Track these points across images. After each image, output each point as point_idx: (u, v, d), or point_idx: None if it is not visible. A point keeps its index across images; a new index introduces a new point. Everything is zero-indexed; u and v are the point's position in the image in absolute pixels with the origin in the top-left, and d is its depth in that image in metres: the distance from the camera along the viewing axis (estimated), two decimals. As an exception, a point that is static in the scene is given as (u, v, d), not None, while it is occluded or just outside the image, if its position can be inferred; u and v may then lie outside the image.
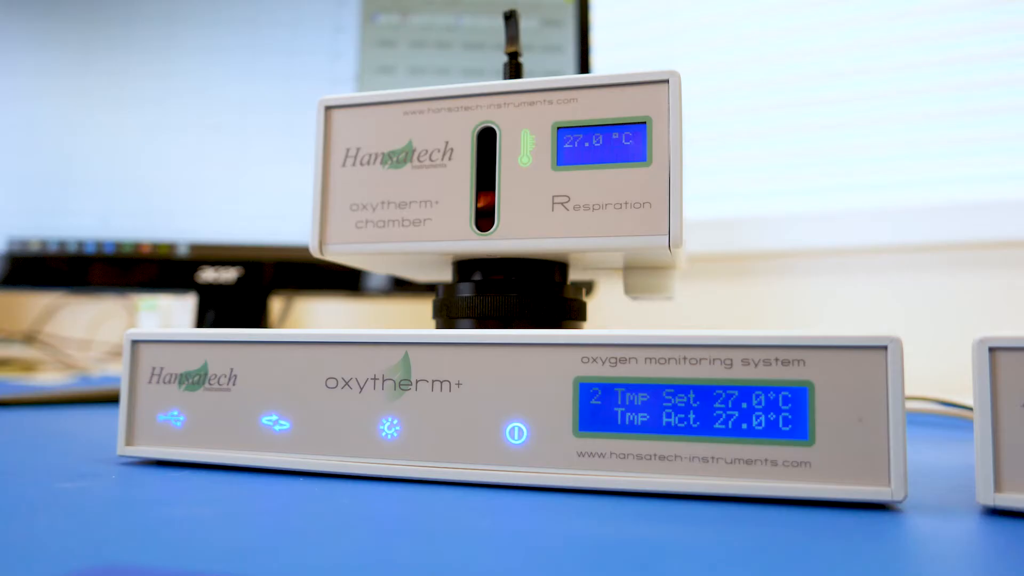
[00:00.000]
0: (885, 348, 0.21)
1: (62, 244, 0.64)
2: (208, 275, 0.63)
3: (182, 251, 0.63)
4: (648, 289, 0.32)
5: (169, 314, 1.06)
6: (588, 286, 0.60)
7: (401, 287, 0.63)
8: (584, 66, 0.65)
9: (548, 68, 0.65)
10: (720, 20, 0.84)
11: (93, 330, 1.07)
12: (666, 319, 0.80)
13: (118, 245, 0.64)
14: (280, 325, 0.83)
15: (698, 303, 0.80)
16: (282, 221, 0.63)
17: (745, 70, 0.82)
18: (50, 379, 0.71)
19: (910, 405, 0.46)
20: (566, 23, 0.65)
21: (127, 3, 0.66)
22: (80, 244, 0.64)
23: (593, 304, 0.77)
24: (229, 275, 0.63)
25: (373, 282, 0.64)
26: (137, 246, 0.63)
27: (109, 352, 0.99)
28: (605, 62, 0.86)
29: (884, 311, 0.73)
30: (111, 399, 0.49)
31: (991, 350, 0.21)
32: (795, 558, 0.17)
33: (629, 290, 0.32)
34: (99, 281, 0.64)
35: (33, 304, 1.08)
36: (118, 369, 1.00)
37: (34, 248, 0.65)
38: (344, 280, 0.63)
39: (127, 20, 0.66)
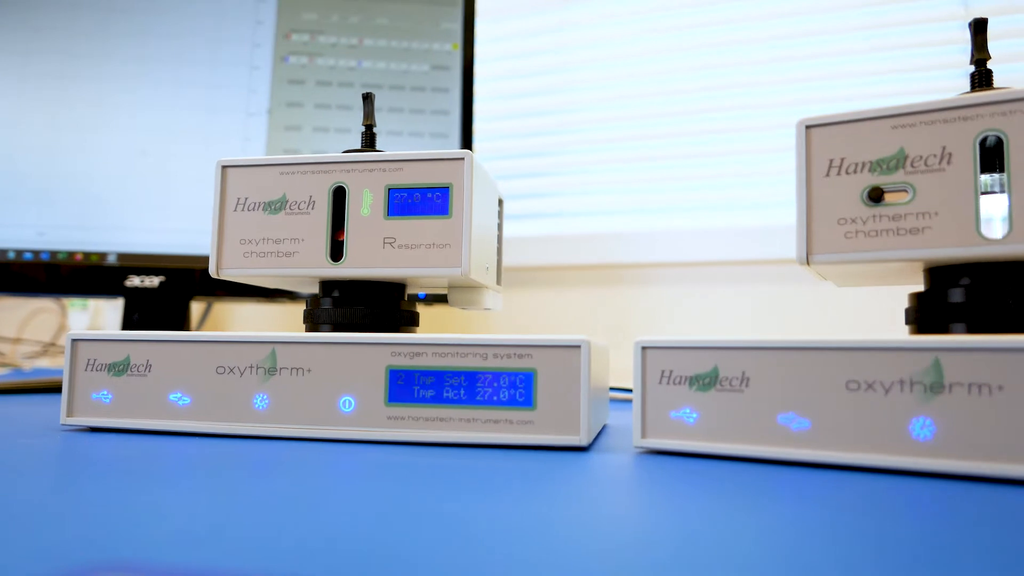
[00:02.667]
0: (579, 347, 0.33)
1: (2, 252, 0.72)
2: (134, 281, 0.72)
3: (111, 260, 0.72)
4: (466, 303, 0.43)
5: (97, 313, 1.14)
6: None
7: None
8: (468, 104, 0.76)
9: (436, 106, 0.75)
10: (591, 60, 0.96)
11: (23, 328, 1.13)
12: (550, 318, 0.92)
13: (53, 254, 0.72)
14: (201, 326, 0.92)
15: (580, 304, 0.92)
16: (201, 235, 0.72)
17: (614, 109, 0.95)
18: (-14, 372, 0.78)
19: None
20: (453, 67, 0.76)
21: (64, 40, 0.75)
22: (19, 252, 0.72)
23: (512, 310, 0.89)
24: (153, 281, 0.72)
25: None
26: (71, 255, 0.72)
27: (41, 348, 1.06)
28: (488, 92, 0.98)
29: (717, 313, 0.87)
30: (44, 389, 0.58)
31: (643, 348, 0.32)
32: (518, 475, 0.28)
33: (452, 303, 0.43)
34: (35, 286, 0.72)
35: (-35, 302, 1.13)
36: (49, 364, 1.07)
37: (-26, 255, 0.72)
38: (256, 287, 0.73)
39: (63, 55, 0.74)
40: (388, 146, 0.75)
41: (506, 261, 0.92)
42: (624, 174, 0.94)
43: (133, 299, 0.73)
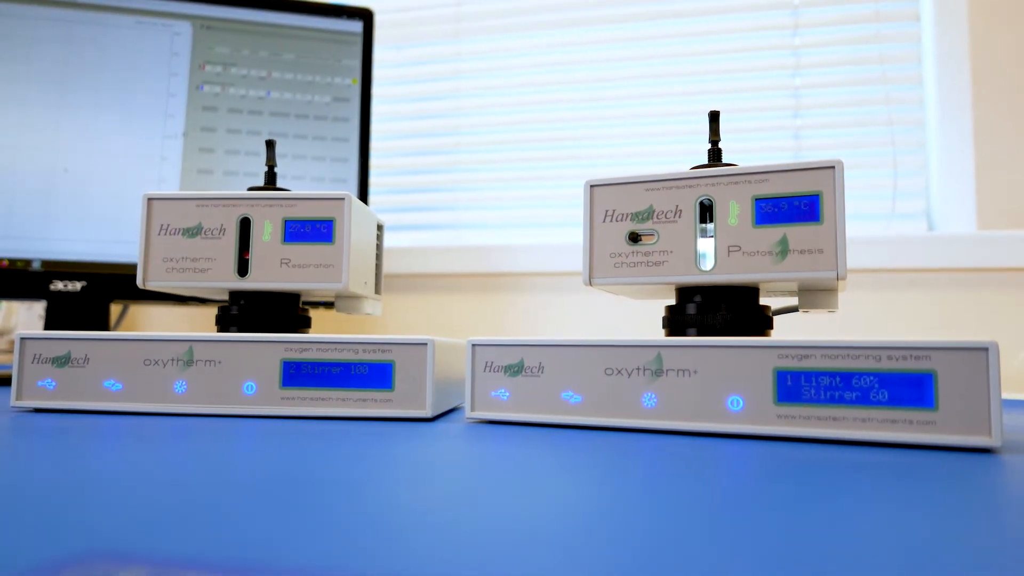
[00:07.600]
0: (426, 344, 0.44)
1: (-71, 258, 0.78)
2: (58, 286, 0.79)
3: (36, 266, 0.79)
4: (350, 309, 0.54)
5: (10, 311, 1.19)
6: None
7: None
8: (365, 132, 0.86)
9: (337, 134, 0.86)
10: (476, 91, 1.08)
11: (-65, 326, 1.16)
12: (447, 321, 1.03)
13: (-21, 260, 0.79)
14: (118, 326, 0.99)
15: (464, 308, 1.04)
16: (120, 245, 0.80)
17: (499, 133, 1.07)
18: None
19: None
20: (353, 99, 0.87)
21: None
22: (-54, 259, 0.78)
23: (406, 312, 0.99)
24: (76, 286, 0.79)
25: (195, 293, 0.82)
26: (-4, 261, 0.79)
27: (-46, 346, 1.10)
28: (383, 113, 1.08)
29: (574, 317, 1.00)
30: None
31: (473, 346, 0.44)
32: (378, 436, 0.38)
33: (338, 309, 0.54)
34: (-40, 288, 0.79)
35: None
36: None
37: (-99, 260, 0.78)
38: (168, 293, 0.81)
39: (-13, 73, 0.81)
40: (294, 167, 0.84)
41: (403, 269, 1.02)
42: (506, 191, 1.06)
43: (56, 302, 0.81)
